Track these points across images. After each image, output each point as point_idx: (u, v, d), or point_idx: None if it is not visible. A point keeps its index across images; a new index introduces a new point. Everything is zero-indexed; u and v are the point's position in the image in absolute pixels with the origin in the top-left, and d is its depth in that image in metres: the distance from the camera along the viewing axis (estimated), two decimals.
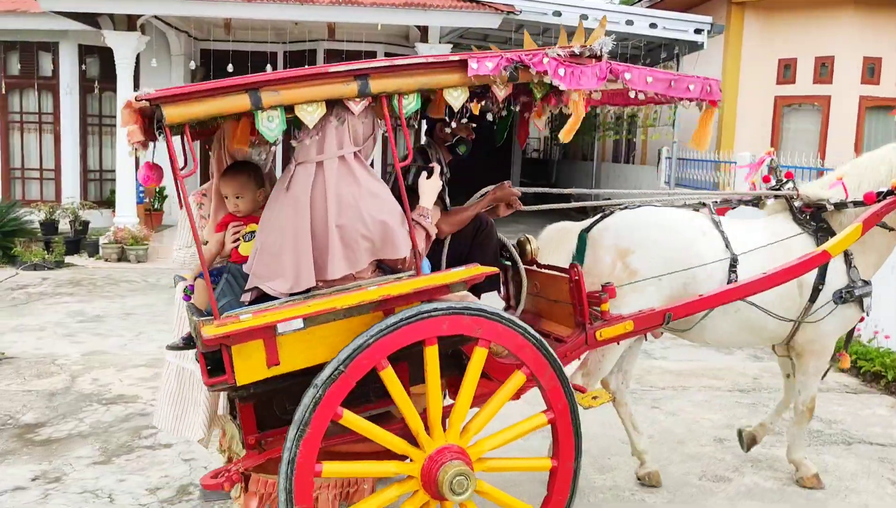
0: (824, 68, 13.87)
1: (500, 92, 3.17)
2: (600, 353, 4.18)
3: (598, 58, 3.24)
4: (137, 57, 12.48)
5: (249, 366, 2.83)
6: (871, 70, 13.76)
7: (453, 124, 3.57)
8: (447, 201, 3.96)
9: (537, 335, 3.15)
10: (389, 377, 2.92)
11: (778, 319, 4.21)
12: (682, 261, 4.06)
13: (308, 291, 3.00)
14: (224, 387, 2.93)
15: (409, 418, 3.03)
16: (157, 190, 13.88)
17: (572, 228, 4.36)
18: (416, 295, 3.02)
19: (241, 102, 2.79)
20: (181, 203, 3.00)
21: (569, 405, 3.23)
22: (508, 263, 4.12)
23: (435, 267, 3.79)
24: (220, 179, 3.39)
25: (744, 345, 4.86)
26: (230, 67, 10.75)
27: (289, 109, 2.85)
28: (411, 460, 3.09)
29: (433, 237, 3.28)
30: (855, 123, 13.86)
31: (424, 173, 3.33)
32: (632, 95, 3.39)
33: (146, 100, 2.72)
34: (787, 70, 14.27)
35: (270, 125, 2.83)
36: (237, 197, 3.32)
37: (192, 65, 12.99)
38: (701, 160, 13.46)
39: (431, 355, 2.99)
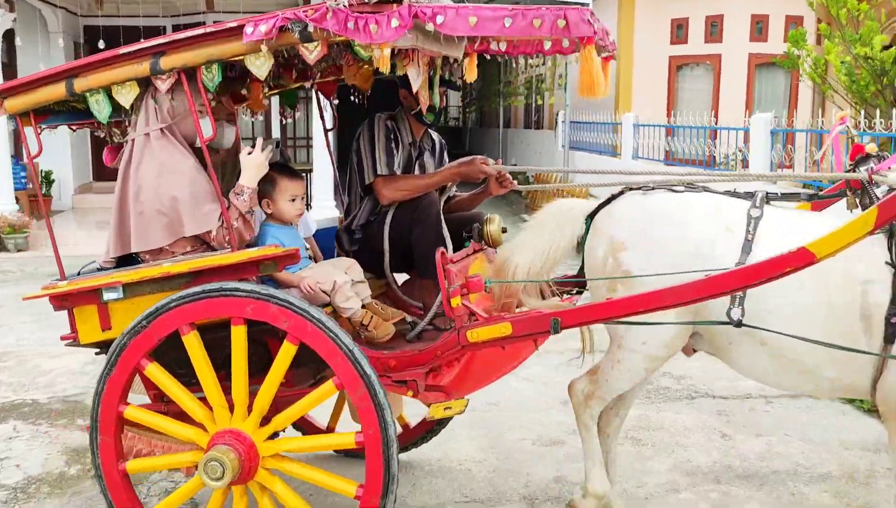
0: (714, 27, 14.06)
1: (311, 54, 2.81)
2: (611, 361, 3.36)
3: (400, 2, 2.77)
4: (13, 36, 11.91)
5: (88, 328, 3.17)
6: (760, 28, 14.00)
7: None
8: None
9: (349, 344, 2.84)
10: (191, 343, 2.95)
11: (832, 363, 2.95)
12: (692, 265, 3.03)
13: (136, 263, 3.19)
14: (74, 344, 3.24)
15: (208, 391, 3.00)
16: (44, 174, 13.33)
17: (581, 208, 3.53)
18: (209, 273, 3.00)
19: (60, 89, 3.07)
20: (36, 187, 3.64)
21: (381, 435, 2.82)
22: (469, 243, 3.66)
23: (376, 239, 3.66)
24: None
25: (807, 392, 3.53)
26: (101, 44, 10.28)
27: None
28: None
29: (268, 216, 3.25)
30: (745, 81, 14.12)
31: (247, 149, 3.17)
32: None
33: None
34: (679, 30, 14.42)
35: (98, 108, 3.07)
36: None
37: (61, 42, 12.42)
38: (594, 123, 13.54)
39: (237, 335, 2.91)
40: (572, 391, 3.56)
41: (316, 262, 3.58)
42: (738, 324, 2.96)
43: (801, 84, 13.90)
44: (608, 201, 3.42)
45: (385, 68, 2.78)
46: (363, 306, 3.26)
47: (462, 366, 3.09)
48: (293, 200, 3.35)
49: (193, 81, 2.98)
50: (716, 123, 11.43)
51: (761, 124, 9.16)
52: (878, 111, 7.38)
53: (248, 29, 2.80)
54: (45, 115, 3.33)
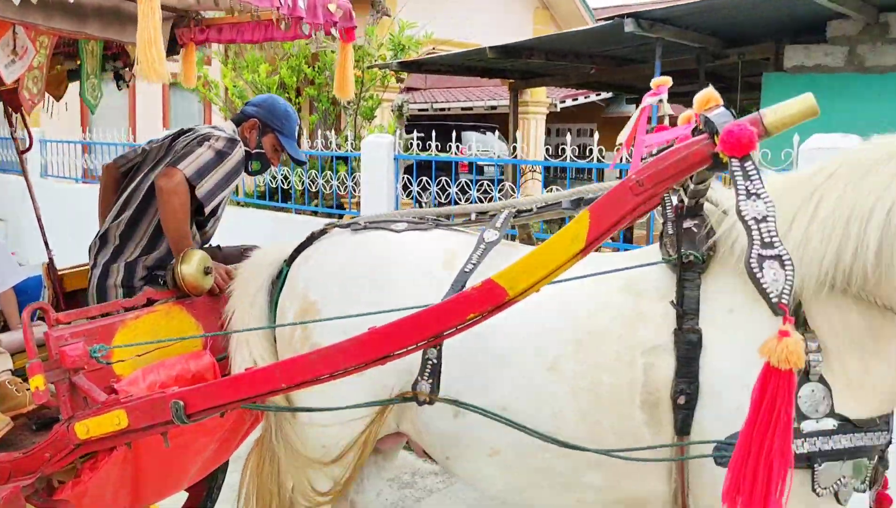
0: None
1: None
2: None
3: None
4: None
5: None
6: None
7: None
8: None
9: None
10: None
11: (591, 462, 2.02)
12: None
13: None
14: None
15: None
16: None
17: (276, 255, 2.62)
18: None
19: None
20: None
21: None
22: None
23: None
24: None
25: None
26: None
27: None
28: None
29: None
30: (161, 99, 15.57)
31: None
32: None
33: None
34: None
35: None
36: None
37: None
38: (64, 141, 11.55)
39: None
40: None
41: (9, 325, 2.95)
42: (430, 401, 2.03)
43: (213, 104, 16.17)
44: (308, 243, 2.54)
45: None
46: None
47: (115, 469, 2.30)
48: None
49: None
50: (134, 140, 10.53)
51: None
52: None
53: None
54: None
